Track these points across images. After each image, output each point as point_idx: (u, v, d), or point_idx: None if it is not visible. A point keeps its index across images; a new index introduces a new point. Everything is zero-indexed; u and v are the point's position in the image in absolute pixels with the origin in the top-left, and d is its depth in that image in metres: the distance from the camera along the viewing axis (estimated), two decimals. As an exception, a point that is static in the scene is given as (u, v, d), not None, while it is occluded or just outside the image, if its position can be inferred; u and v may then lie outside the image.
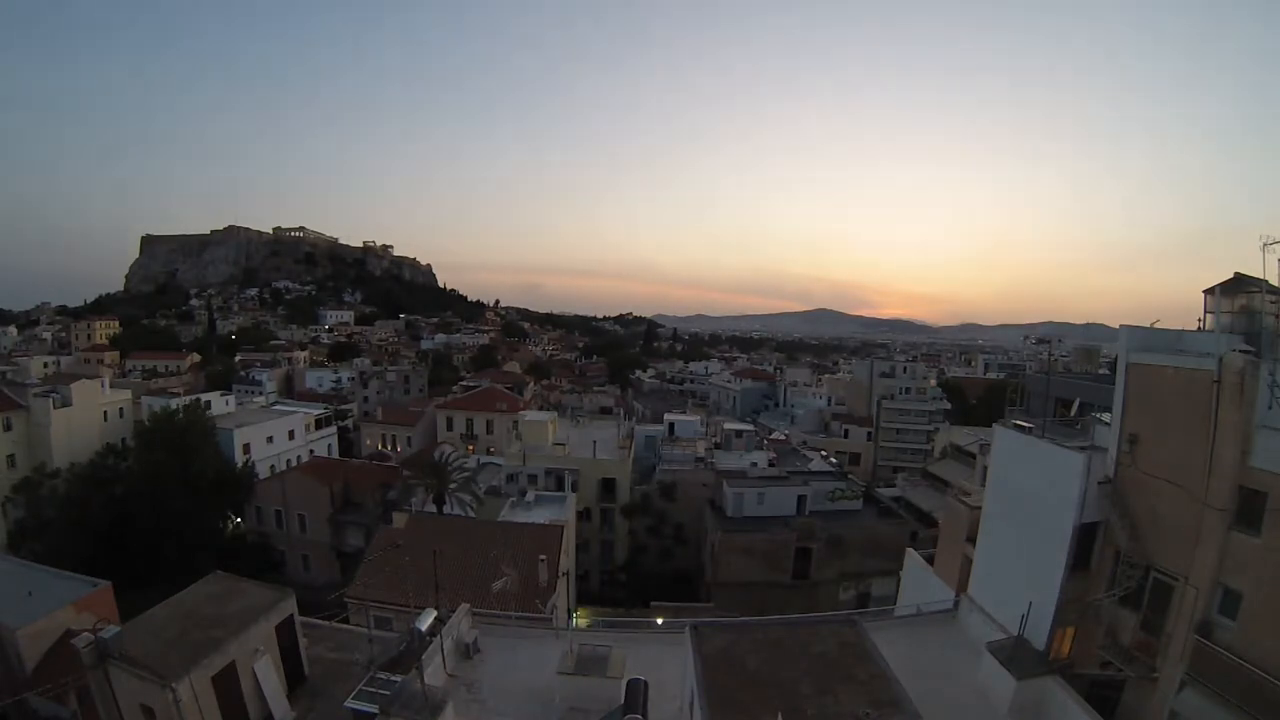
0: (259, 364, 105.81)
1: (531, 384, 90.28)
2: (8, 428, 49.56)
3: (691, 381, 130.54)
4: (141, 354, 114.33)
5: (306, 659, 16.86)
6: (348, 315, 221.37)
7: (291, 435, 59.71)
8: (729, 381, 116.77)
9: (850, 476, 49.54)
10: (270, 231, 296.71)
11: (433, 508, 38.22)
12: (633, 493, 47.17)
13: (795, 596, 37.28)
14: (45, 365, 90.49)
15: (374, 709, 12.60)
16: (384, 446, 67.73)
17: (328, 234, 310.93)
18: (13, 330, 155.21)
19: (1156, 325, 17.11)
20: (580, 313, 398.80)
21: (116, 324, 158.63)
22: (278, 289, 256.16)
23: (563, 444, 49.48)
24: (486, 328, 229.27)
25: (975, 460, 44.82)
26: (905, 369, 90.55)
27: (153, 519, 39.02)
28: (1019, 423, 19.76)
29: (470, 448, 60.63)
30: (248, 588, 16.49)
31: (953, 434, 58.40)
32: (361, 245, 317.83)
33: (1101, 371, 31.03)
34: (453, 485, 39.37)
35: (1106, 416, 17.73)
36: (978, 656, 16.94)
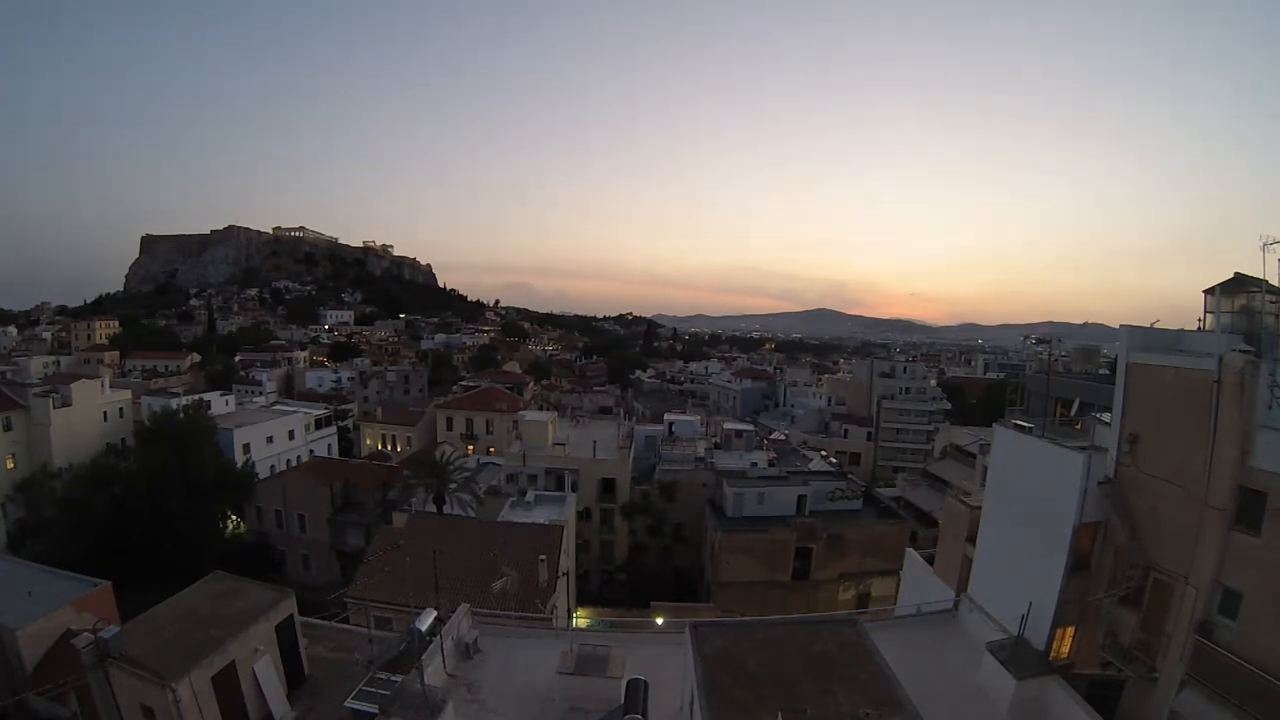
0: (259, 364, 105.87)
1: (531, 384, 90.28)
2: (8, 428, 49.55)
3: (691, 381, 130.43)
4: (141, 354, 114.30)
5: (306, 659, 16.90)
6: (348, 315, 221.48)
7: (291, 435, 59.70)
8: (729, 381, 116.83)
9: (850, 476, 49.44)
10: (270, 231, 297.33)
11: (433, 508, 38.15)
12: (632, 492, 47.11)
13: (795, 596, 37.26)
14: (45, 365, 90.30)
15: (374, 709, 12.61)
16: (384, 446, 67.72)
17: (328, 234, 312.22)
18: (13, 330, 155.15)
19: (1156, 325, 17.11)
20: (580, 313, 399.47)
21: (116, 324, 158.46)
22: (278, 289, 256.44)
23: (563, 444, 49.43)
24: (486, 328, 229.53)
25: (975, 460, 44.82)
26: (905, 369, 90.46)
27: (153, 519, 38.92)
28: (1019, 423, 19.75)
29: (470, 448, 60.54)
30: (248, 588, 16.54)
31: (953, 434, 58.45)
32: (361, 245, 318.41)
33: (1101, 371, 31.01)
34: (453, 485, 39.31)
35: (1106, 416, 17.72)
36: (978, 656, 16.94)
